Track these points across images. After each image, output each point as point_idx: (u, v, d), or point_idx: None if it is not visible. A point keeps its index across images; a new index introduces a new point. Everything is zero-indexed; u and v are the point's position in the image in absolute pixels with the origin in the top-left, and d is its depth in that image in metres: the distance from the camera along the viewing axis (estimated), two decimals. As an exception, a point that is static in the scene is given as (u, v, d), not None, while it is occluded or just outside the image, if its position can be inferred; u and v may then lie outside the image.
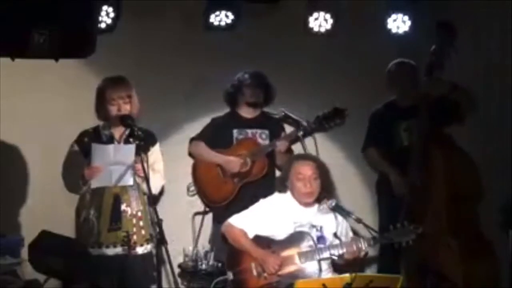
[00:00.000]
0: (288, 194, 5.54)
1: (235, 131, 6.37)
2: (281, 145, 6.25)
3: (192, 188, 6.45)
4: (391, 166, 6.24)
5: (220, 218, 6.18)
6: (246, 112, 6.41)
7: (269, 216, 5.46)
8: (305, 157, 5.66)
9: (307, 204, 5.49)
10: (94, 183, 5.55)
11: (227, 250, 5.51)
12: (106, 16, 6.27)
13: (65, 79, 6.38)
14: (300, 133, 6.37)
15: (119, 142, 5.66)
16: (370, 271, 6.33)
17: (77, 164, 5.61)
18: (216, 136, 6.35)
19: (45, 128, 6.35)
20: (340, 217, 5.49)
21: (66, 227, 5.71)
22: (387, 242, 5.32)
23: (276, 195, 5.61)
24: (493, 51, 6.65)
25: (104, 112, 5.64)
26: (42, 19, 4.89)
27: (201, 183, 6.39)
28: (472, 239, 5.81)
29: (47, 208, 6.22)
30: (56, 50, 5.00)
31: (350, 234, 5.53)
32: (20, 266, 5.76)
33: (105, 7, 6.23)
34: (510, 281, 5.89)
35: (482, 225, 5.93)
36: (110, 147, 5.56)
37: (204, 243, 6.40)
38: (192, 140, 6.41)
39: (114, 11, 6.30)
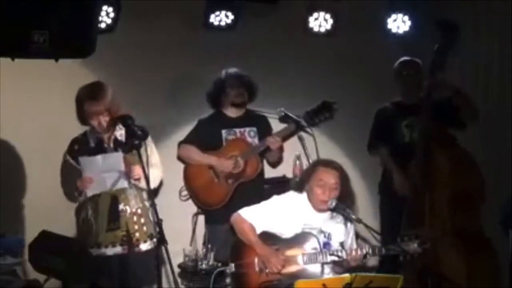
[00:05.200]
0: (304, 195, 5.46)
1: (223, 132, 6.30)
2: (272, 142, 6.24)
3: (184, 193, 6.37)
4: (396, 165, 6.22)
5: (214, 219, 6.19)
6: (232, 112, 6.35)
7: (280, 214, 5.40)
8: (330, 164, 5.47)
9: (320, 210, 5.43)
10: (90, 192, 5.55)
11: (233, 242, 5.48)
12: (106, 16, 6.27)
13: (65, 79, 6.38)
14: (300, 133, 6.38)
15: (108, 145, 5.66)
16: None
17: (72, 174, 5.61)
18: (204, 138, 6.27)
19: (45, 128, 6.35)
20: (349, 226, 5.45)
21: (66, 227, 5.71)
22: (393, 254, 5.30)
23: (291, 194, 5.51)
24: (494, 51, 6.65)
25: (86, 121, 5.62)
26: (42, 19, 4.89)
27: (194, 187, 6.30)
28: (474, 239, 5.80)
29: (47, 208, 6.22)
30: (56, 50, 5.01)
31: (354, 244, 5.48)
32: (20, 266, 5.76)
33: (105, 7, 6.23)
34: (510, 281, 5.89)
35: (482, 225, 5.93)
36: (98, 157, 5.54)
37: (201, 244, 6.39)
38: (180, 143, 6.32)
39: (114, 11, 6.29)
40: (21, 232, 6.14)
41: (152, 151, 5.67)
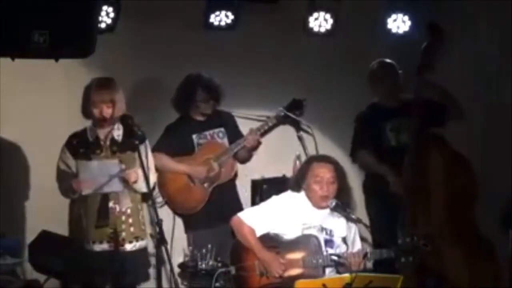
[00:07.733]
0: (302, 194, 5.45)
1: (194, 136, 6.30)
2: (250, 142, 6.24)
3: (159, 199, 6.26)
4: (388, 167, 6.18)
5: (192, 224, 6.19)
6: (199, 115, 6.35)
7: (280, 215, 5.38)
8: (324, 159, 5.51)
9: (320, 207, 5.41)
10: (84, 192, 5.61)
11: (233, 244, 5.47)
12: (106, 16, 6.27)
13: (65, 79, 6.38)
14: (300, 133, 6.38)
15: (104, 142, 5.70)
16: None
17: (67, 168, 5.68)
18: (175, 143, 6.25)
19: (45, 128, 6.35)
20: (351, 222, 5.43)
21: (66, 227, 5.71)
22: (395, 257, 5.28)
23: (289, 194, 5.51)
24: (493, 52, 6.65)
25: (89, 112, 5.70)
26: (42, 19, 4.89)
27: (170, 194, 6.27)
28: (472, 239, 5.81)
29: (47, 208, 6.21)
30: (56, 50, 5.01)
31: (358, 241, 5.47)
32: (20, 266, 5.76)
33: (105, 7, 6.23)
34: (510, 281, 5.89)
35: (482, 225, 5.93)
36: (94, 163, 5.60)
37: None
38: (151, 152, 6.19)
39: (114, 11, 6.29)
40: (21, 232, 6.14)
41: (147, 155, 5.70)
